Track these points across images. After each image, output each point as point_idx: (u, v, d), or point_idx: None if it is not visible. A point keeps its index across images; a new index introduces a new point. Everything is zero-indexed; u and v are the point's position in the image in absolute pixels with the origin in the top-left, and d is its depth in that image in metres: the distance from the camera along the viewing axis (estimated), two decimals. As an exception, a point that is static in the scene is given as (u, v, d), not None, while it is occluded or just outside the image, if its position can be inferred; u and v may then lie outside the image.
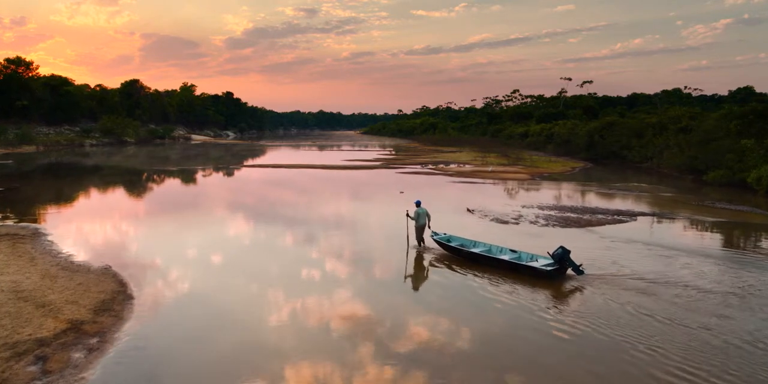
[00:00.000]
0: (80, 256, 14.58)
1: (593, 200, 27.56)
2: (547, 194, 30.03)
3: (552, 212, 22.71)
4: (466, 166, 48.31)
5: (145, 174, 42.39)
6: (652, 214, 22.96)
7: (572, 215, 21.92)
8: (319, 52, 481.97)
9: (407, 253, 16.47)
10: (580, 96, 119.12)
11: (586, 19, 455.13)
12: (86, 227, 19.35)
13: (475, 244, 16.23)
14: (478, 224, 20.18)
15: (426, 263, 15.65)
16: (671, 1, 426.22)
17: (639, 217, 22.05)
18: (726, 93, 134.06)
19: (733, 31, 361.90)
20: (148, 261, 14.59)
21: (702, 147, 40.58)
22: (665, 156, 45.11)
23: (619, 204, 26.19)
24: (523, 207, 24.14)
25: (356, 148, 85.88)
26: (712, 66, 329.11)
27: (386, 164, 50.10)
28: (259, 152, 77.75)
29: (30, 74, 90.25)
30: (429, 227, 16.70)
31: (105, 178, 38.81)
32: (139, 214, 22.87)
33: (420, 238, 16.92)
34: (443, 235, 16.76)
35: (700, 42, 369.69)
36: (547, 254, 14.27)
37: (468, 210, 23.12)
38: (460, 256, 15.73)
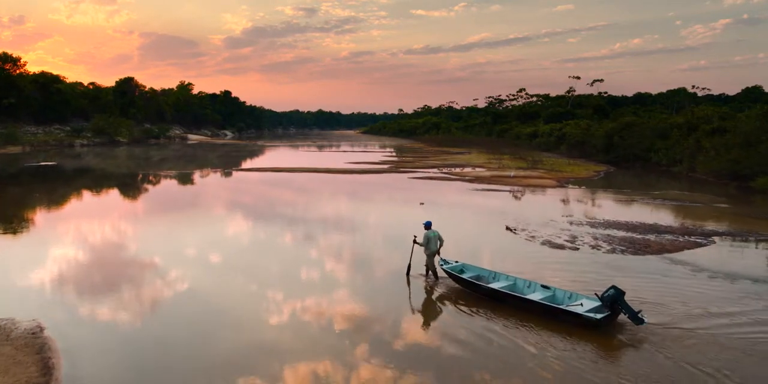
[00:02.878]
0: (6, 306, 10.69)
1: (645, 214, 23.73)
2: (587, 205, 26.23)
3: (609, 231, 18.87)
4: (482, 169, 44.47)
5: (125, 180, 38.50)
6: (730, 234, 19.10)
7: (636, 236, 18.09)
8: (318, 51, 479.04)
9: (409, 285, 13.06)
10: (589, 95, 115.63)
11: (585, 19, 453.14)
12: (31, 257, 15.36)
13: (495, 276, 12.83)
14: (528, 249, 16.31)
15: (433, 302, 12.29)
16: (670, 1, 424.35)
17: (715, 238, 18.24)
18: (723, 93, 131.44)
19: (732, 31, 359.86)
20: (103, 311, 10.75)
21: (745, 150, 36.86)
22: (700, 160, 41.25)
23: (677, 219, 22.42)
24: (571, 223, 20.30)
25: (359, 149, 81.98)
26: (711, 66, 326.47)
27: (395, 168, 46.23)
28: (257, 153, 73.84)
29: (18, 71, 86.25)
30: (439, 253, 13.42)
31: (76, 184, 34.93)
32: (107, 235, 18.97)
33: (432, 268, 13.55)
34: (454, 264, 13.29)
35: (699, 42, 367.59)
36: (594, 295, 10.82)
37: (508, 228, 19.28)
38: (476, 293, 12.24)
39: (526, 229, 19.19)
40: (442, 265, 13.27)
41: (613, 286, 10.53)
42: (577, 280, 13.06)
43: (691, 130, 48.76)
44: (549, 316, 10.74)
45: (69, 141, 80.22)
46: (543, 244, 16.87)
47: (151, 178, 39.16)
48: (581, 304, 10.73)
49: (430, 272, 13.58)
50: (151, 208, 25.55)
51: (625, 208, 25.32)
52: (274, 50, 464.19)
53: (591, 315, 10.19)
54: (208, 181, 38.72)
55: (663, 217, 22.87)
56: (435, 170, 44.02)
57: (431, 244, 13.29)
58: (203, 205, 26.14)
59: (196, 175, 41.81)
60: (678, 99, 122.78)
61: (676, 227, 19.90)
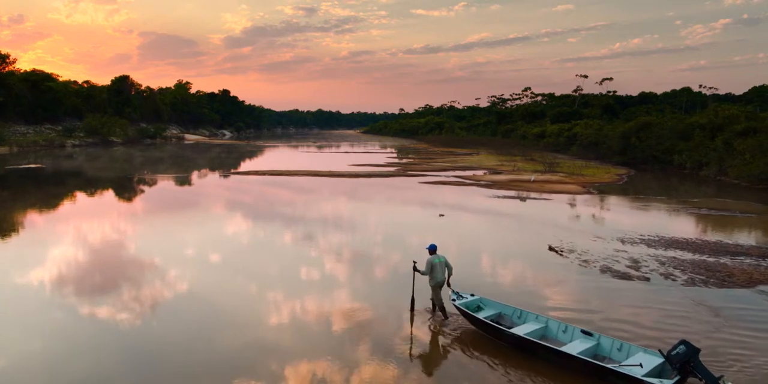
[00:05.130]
0: None
1: (699, 228, 20.80)
2: (629, 217, 23.20)
3: (672, 252, 15.88)
4: (496, 173, 41.45)
5: (103, 187, 35.47)
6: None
7: (708, 259, 15.10)
8: (317, 51, 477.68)
9: (411, 325, 10.38)
10: (597, 95, 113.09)
11: (585, 19, 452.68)
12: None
13: (521, 315, 10.08)
14: (587, 280, 13.21)
15: (438, 350, 9.63)
16: (670, 1, 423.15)
17: (799, 261, 15.27)
18: (730, 92, 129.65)
19: (732, 31, 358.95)
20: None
21: (785, 153, 33.99)
22: (735, 163, 38.27)
23: (738, 234, 19.48)
24: (623, 241, 17.29)
25: (361, 150, 78.89)
26: (711, 66, 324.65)
27: (403, 171, 43.19)
28: (255, 154, 70.85)
29: (7, 69, 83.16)
30: (449, 285, 10.70)
31: (48, 191, 31.93)
32: (68, 257, 15.96)
33: (439, 303, 10.82)
34: (469, 299, 10.50)
35: (698, 42, 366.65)
36: (658, 352, 8.06)
37: (551, 249, 16.27)
38: (497, 339, 9.52)
39: (574, 249, 16.18)
40: (453, 299, 10.46)
41: (684, 342, 7.77)
42: (663, 329, 10.10)
43: (716, 131, 45.92)
44: (593, 376, 7.99)
45: (60, 141, 77.11)
46: (603, 271, 13.83)
47: (130, 184, 36.15)
48: (640, 365, 7.85)
49: (437, 308, 10.85)
50: (124, 221, 22.52)
51: (673, 221, 22.35)
52: (273, 50, 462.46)
53: (655, 382, 7.38)
54: (198, 186, 35.70)
55: (721, 232, 19.92)
56: (446, 173, 41.01)
57: (436, 272, 10.56)
58: (184, 221, 23.13)
59: (183, 180, 38.81)
60: (684, 99, 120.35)
61: (748, 247, 16.91)
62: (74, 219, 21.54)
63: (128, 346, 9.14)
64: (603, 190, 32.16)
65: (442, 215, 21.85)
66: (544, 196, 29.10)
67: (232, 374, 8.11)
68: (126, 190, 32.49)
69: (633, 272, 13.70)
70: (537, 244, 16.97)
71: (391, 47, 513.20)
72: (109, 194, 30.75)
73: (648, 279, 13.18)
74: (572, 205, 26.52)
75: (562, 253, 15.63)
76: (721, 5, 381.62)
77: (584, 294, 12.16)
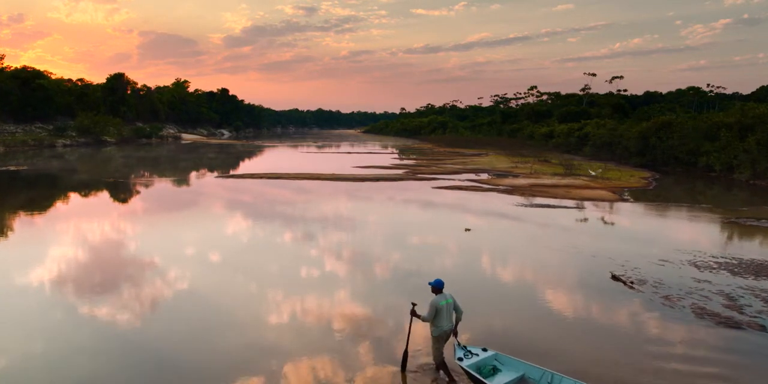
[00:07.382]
0: None
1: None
2: (684, 231, 20.03)
3: (767, 283, 12.75)
4: (512, 176, 38.30)
5: (79, 192, 32.30)
6: None
7: (818, 293, 11.97)
8: (317, 50, 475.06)
9: None
10: (605, 94, 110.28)
11: (585, 19, 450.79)
12: None
13: (551, 379, 7.10)
14: (685, 328, 10.04)
15: None
16: (670, 1, 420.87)
17: None
18: (737, 92, 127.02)
19: (732, 31, 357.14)
20: None
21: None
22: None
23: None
24: (697, 266, 14.09)
25: (364, 150, 75.68)
26: (711, 66, 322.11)
27: (411, 173, 39.99)
28: (253, 154, 67.71)
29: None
30: (456, 334, 7.88)
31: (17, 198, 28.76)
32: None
33: (438, 359, 7.86)
34: (482, 357, 7.71)
35: (699, 42, 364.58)
36: None
37: (615, 277, 13.08)
38: None
39: (643, 278, 12.97)
40: (459, 358, 7.55)
41: None
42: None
43: (745, 131, 42.81)
44: None
45: (50, 141, 73.81)
46: (698, 315, 10.58)
47: (109, 189, 33.01)
48: None
49: (440, 369, 7.87)
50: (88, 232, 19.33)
51: (738, 236, 19.21)
52: (273, 49, 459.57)
53: None
54: (194, 186, 32.54)
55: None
56: (459, 177, 37.84)
57: (441, 319, 7.62)
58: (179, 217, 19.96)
59: (167, 184, 35.64)
60: (690, 98, 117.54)
61: None
62: (37, 232, 18.35)
63: (128, 346, 8.99)
64: (636, 196, 29.01)
65: (468, 230, 18.65)
66: (575, 203, 25.94)
67: (232, 374, 8.00)
68: (89, 196, 29.30)
69: (737, 316, 10.50)
70: (593, 269, 13.81)
71: (391, 47, 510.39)
72: (68, 203, 27.56)
73: (763, 327, 10.01)
74: (610, 215, 23.37)
75: (633, 285, 12.44)
76: (721, 5, 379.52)
77: (687, 351, 8.99)
